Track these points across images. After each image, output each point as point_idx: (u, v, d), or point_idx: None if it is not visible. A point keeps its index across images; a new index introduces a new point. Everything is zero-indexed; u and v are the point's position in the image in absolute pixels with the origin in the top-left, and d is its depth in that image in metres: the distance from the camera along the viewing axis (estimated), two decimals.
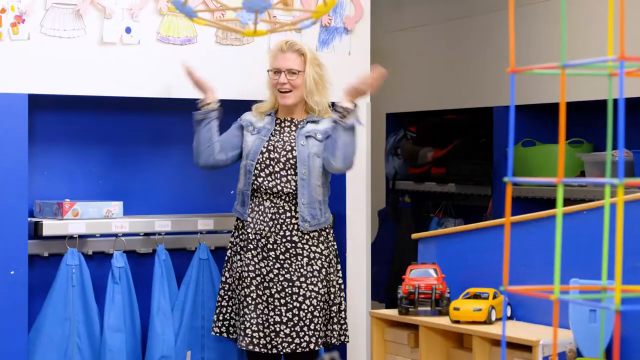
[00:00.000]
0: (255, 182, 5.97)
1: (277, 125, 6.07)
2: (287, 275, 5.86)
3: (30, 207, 6.24)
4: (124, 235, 6.41)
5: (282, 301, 5.81)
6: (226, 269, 6.02)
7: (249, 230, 5.92)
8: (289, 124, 6.08)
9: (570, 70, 2.60)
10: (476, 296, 5.47)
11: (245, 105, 6.54)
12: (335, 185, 6.63)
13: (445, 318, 5.46)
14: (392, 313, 5.76)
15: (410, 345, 5.66)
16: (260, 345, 5.78)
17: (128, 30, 6.15)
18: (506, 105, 8.02)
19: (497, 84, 8.14)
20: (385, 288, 8.44)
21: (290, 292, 5.80)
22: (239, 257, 5.92)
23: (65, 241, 6.23)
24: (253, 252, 5.90)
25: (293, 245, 5.86)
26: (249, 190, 5.94)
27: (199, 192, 7.01)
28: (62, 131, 6.55)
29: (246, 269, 5.88)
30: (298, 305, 5.78)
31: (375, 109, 7.32)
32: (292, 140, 6.01)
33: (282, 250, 5.87)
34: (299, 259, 5.86)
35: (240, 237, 5.96)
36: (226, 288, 6.02)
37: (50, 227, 6.14)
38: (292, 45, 5.95)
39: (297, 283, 5.82)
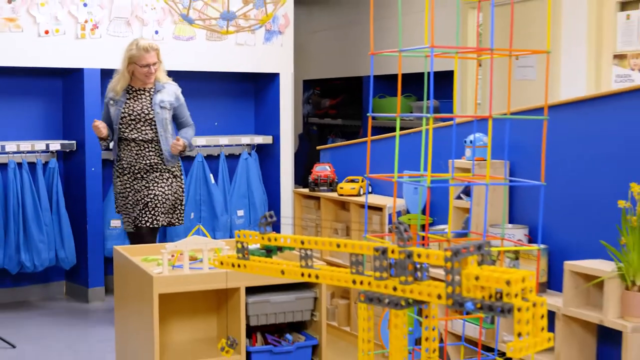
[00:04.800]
0: (123, 134, 5.55)
1: (134, 93, 5.57)
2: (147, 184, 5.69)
3: None
4: None
5: (146, 199, 5.59)
6: None
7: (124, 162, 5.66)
8: (142, 91, 5.59)
9: (405, 53, 2.58)
10: (352, 181, 5.71)
11: (217, 73, 7.04)
12: (275, 118, 7.00)
13: (334, 193, 5.77)
14: (306, 191, 6.05)
15: (315, 208, 6.02)
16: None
17: (157, 32, 6.66)
18: (369, 75, 8.21)
19: (365, 62, 8.37)
20: (302, 177, 8.73)
21: (147, 193, 5.58)
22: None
23: None
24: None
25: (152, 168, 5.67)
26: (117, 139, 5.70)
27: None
28: None
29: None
30: (155, 200, 5.56)
31: (297, 77, 7.71)
32: (149, 106, 5.55)
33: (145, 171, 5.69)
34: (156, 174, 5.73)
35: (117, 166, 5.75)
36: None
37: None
38: (153, 46, 5.54)
39: (152, 188, 5.62)
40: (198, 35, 6.62)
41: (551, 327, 3.78)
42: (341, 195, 5.52)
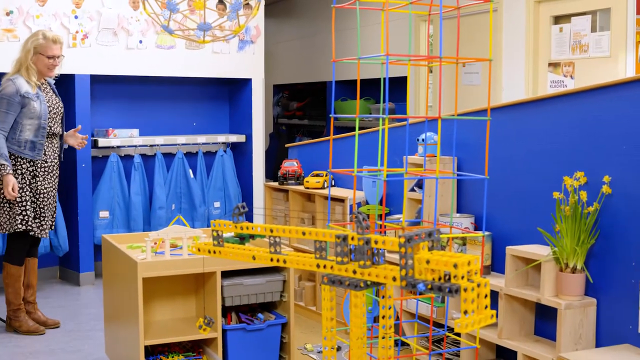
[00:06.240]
0: (51, 130, 4.77)
1: (42, 87, 4.79)
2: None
3: (92, 131, 6.57)
4: (140, 146, 6.72)
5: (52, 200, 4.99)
6: None
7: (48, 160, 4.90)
8: (45, 86, 4.84)
9: (363, 60, 2.64)
10: (317, 175, 5.63)
11: (196, 78, 6.96)
12: (248, 119, 6.97)
13: (301, 186, 5.68)
14: (275, 184, 5.94)
15: (285, 200, 5.92)
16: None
17: (141, 42, 6.57)
18: (331, 80, 8.17)
19: (328, 69, 8.32)
20: (272, 172, 8.72)
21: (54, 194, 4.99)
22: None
23: (110, 149, 6.63)
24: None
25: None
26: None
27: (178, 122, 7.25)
28: (109, 94, 6.85)
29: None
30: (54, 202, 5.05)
31: (267, 82, 7.64)
32: (58, 100, 4.90)
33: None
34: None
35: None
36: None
37: (102, 142, 6.43)
38: (60, 39, 4.85)
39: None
40: (178, 45, 6.54)
41: (494, 305, 3.80)
42: (307, 188, 5.49)
